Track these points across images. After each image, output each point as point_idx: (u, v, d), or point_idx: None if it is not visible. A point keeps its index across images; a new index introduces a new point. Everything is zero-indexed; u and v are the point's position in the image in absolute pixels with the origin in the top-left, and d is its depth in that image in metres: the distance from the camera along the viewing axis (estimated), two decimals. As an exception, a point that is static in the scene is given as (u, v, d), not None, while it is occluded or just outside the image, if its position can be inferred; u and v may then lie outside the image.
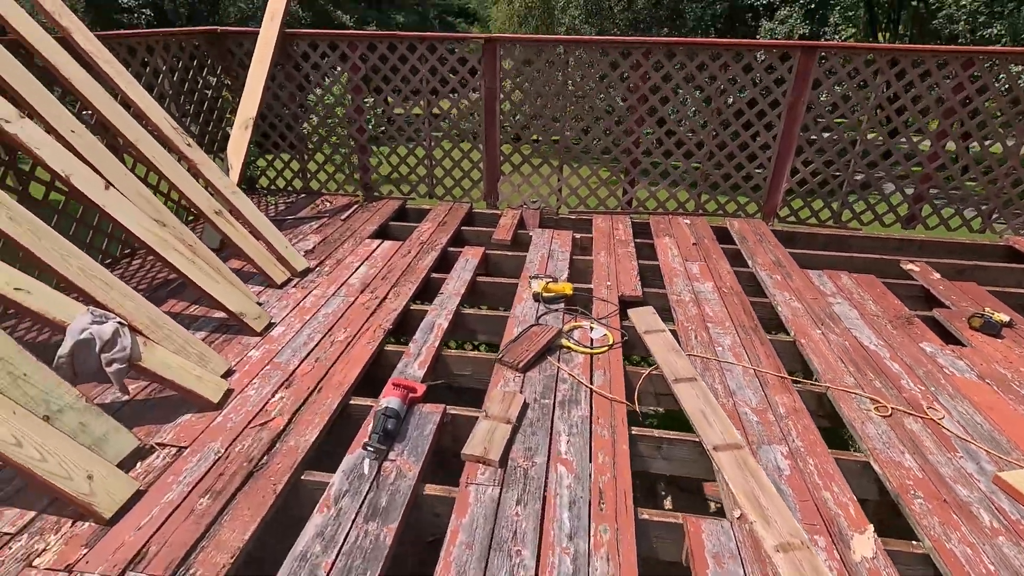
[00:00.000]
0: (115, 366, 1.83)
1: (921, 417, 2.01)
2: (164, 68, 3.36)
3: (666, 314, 2.73)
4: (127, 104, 2.79)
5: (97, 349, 1.81)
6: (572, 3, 14.64)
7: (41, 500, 1.60)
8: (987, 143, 3.59)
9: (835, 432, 2.34)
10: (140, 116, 2.79)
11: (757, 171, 3.81)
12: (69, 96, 2.65)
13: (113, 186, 2.34)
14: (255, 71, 3.60)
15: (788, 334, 2.60)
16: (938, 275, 3.15)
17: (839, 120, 3.60)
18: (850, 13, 12.06)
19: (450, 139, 3.95)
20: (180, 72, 3.51)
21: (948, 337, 2.62)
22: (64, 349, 1.78)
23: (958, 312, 2.75)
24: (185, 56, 3.54)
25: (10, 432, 1.50)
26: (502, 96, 3.77)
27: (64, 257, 1.98)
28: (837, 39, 11.69)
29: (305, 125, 4.02)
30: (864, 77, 3.41)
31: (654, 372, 2.25)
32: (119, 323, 1.90)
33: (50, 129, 2.32)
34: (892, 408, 2.05)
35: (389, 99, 3.97)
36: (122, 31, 3.24)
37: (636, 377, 2.24)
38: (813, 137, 3.65)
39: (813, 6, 11.48)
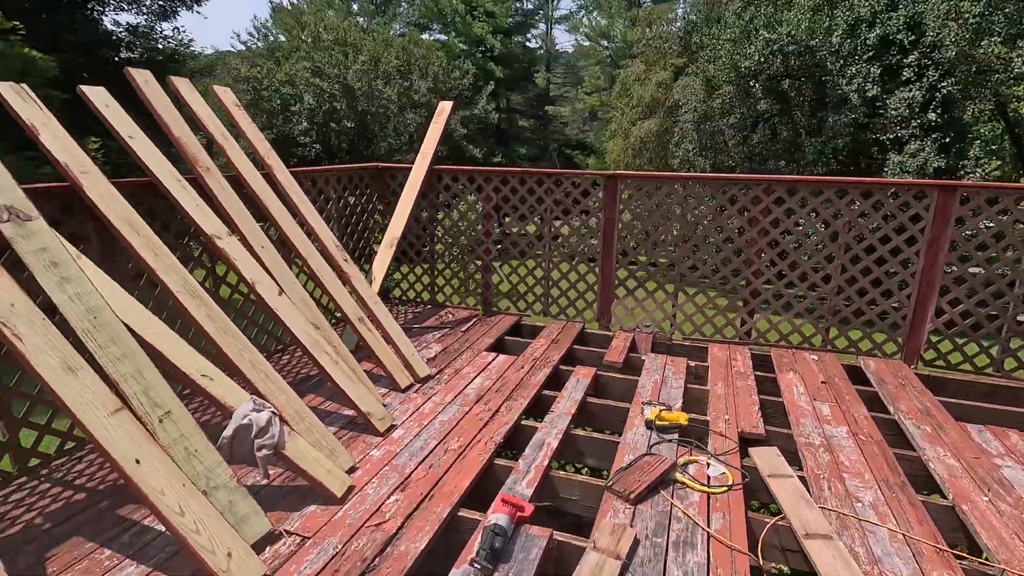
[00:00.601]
0: (264, 452, 2.05)
1: None
2: (333, 196, 4.02)
3: (792, 457, 2.52)
4: (303, 224, 3.35)
5: (252, 434, 2.05)
6: (686, 137, 15.40)
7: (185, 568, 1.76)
8: None
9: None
10: (312, 235, 3.33)
11: (894, 307, 3.56)
12: (264, 221, 3.24)
13: (285, 293, 2.76)
14: (405, 198, 4.18)
15: (944, 497, 2.26)
16: None
17: (992, 257, 3.33)
18: (993, 146, 11.40)
19: (567, 261, 4.19)
20: (345, 199, 4.18)
21: None
22: (228, 432, 2.03)
23: None
24: (351, 186, 4.22)
25: (177, 502, 1.71)
26: (620, 224, 3.99)
27: (240, 351, 2.33)
28: (979, 173, 10.94)
29: (439, 244, 4.50)
30: (1017, 216, 3.18)
31: (780, 522, 2.04)
32: (272, 412, 2.15)
33: (246, 244, 2.84)
34: (1098, 610, 1.67)
35: (514, 223, 4.37)
36: (309, 168, 3.97)
37: (759, 526, 2.05)
38: (960, 276, 3.38)
39: (948, 140, 11.01)
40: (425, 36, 33.73)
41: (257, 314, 3.36)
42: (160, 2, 12.06)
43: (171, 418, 1.87)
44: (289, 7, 35.12)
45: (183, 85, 3.04)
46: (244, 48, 27.91)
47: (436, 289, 4.62)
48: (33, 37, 8.27)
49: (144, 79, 2.82)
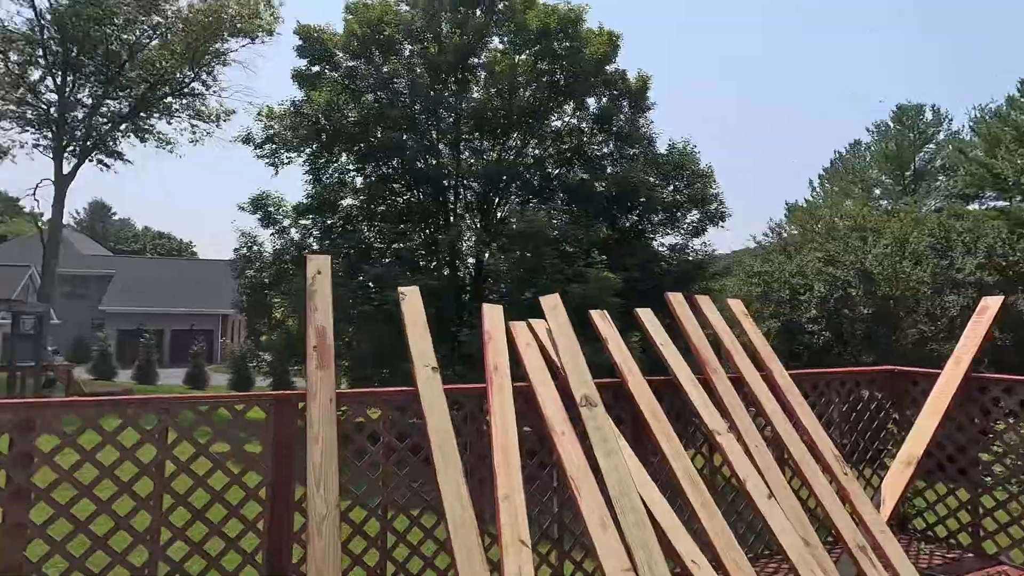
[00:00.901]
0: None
1: None
2: (836, 399, 3.83)
3: None
4: (797, 427, 3.33)
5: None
6: None
7: None
8: None
9: None
10: (807, 440, 3.25)
11: None
12: (758, 417, 3.43)
13: (775, 497, 2.78)
14: (929, 409, 3.54)
15: None
16: None
17: None
18: None
19: None
20: (850, 404, 3.89)
21: None
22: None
23: None
24: (856, 390, 3.92)
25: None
26: None
27: (725, 549, 2.46)
28: None
29: (987, 477, 3.48)
30: None
31: None
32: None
33: (741, 441, 3.06)
34: None
35: None
36: (810, 370, 3.99)
37: None
38: None
39: None
40: (973, 207, 28.49)
41: (747, 511, 3.42)
42: (695, 224, 15.05)
43: (663, 592, 2.15)
44: (804, 204, 37.05)
45: (704, 302, 3.77)
46: (757, 245, 30.67)
47: (983, 534, 3.48)
48: (612, 263, 11.80)
49: (677, 301, 3.67)
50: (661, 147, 15.92)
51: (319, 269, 2.91)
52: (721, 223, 15.27)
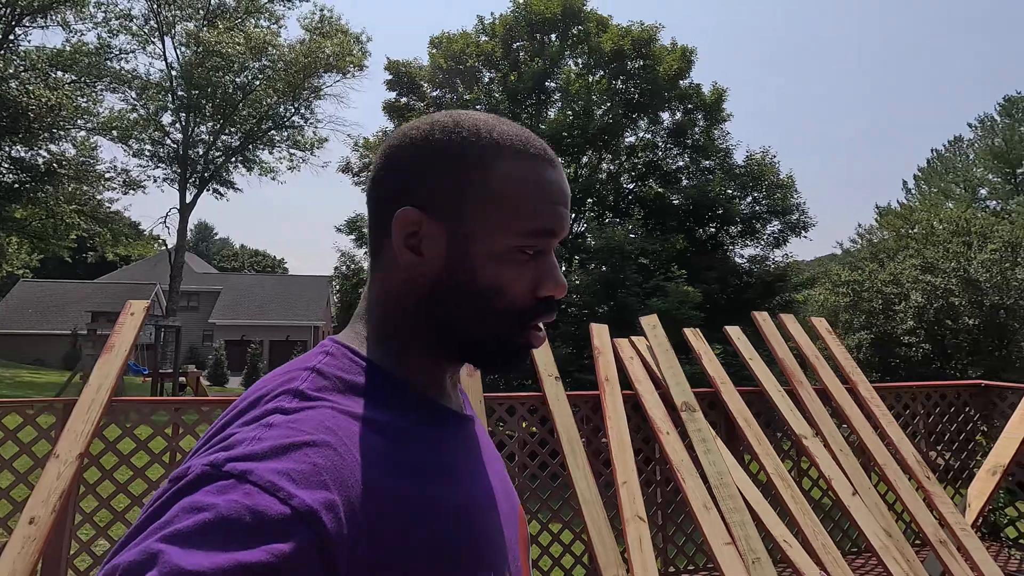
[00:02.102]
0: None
1: None
2: (921, 411, 4.08)
3: None
4: (883, 436, 3.65)
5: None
6: None
7: None
8: None
9: None
10: (891, 446, 3.57)
11: None
12: (843, 425, 3.78)
13: (859, 494, 3.16)
14: (1016, 421, 3.74)
15: None
16: None
17: None
18: None
19: None
20: (936, 416, 4.12)
21: None
22: (798, 593, 2.59)
23: None
24: (943, 403, 4.14)
25: (758, 626, 2.39)
26: None
27: (815, 533, 2.89)
28: None
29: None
30: None
31: None
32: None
33: (827, 445, 3.44)
34: None
35: None
36: (896, 384, 4.25)
37: None
38: None
39: None
40: (1099, 206, 25.76)
41: (834, 511, 3.76)
42: (775, 235, 14.91)
43: (760, 563, 2.63)
44: (898, 207, 34.81)
45: (789, 320, 4.15)
46: (843, 253, 29.22)
47: (1076, 542, 3.62)
48: (690, 276, 12.03)
49: (763, 318, 4.09)
50: (739, 157, 15.91)
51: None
52: (804, 233, 15.03)
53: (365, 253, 16.88)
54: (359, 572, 0.42)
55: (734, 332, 4.02)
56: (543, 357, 3.46)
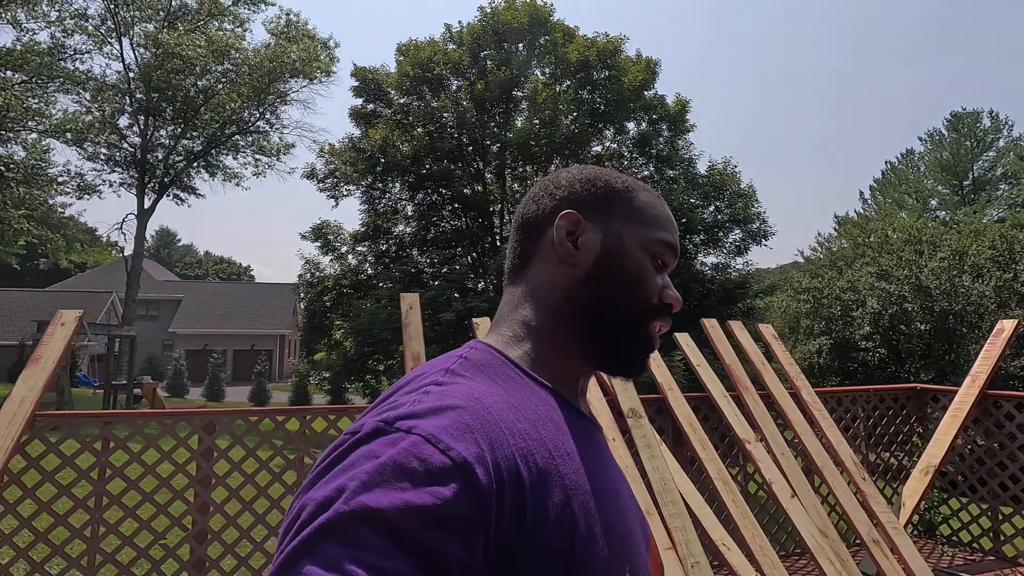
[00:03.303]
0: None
1: None
2: (861, 414, 4.22)
3: None
4: (822, 438, 3.76)
5: (753, 606, 2.58)
6: None
7: None
8: None
9: None
10: (829, 448, 3.68)
11: None
12: (785, 428, 3.88)
13: (797, 496, 3.24)
14: (946, 423, 3.90)
15: None
16: None
17: None
18: None
19: None
20: (875, 419, 4.27)
21: None
22: (735, 596, 2.64)
23: None
24: (881, 406, 4.30)
25: (694, 630, 2.42)
26: None
27: (753, 536, 2.95)
28: None
29: (1000, 484, 3.80)
30: None
31: None
32: (772, 595, 2.61)
33: (768, 449, 3.53)
34: None
35: None
36: (837, 388, 4.40)
37: None
38: None
39: None
40: (1039, 216, 27.18)
41: (779, 513, 3.85)
42: (737, 244, 15.29)
43: (699, 567, 2.67)
44: (855, 216, 36.11)
45: (736, 327, 4.25)
46: (804, 261, 30.14)
47: (1003, 538, 3.79)
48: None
49: (711, 325, 4.18)
50: (702, 168, 16.29)
51: (411, 305, 3.60)
52: (764, 241, 15.45)
53: (331, 260, 16.68)
54: (505, 524, 0.47)
55: (683, 339, 4.10)
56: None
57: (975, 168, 34.37)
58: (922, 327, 16.76)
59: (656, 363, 3.83)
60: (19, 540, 2.61)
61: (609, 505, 0.57)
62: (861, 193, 39.76)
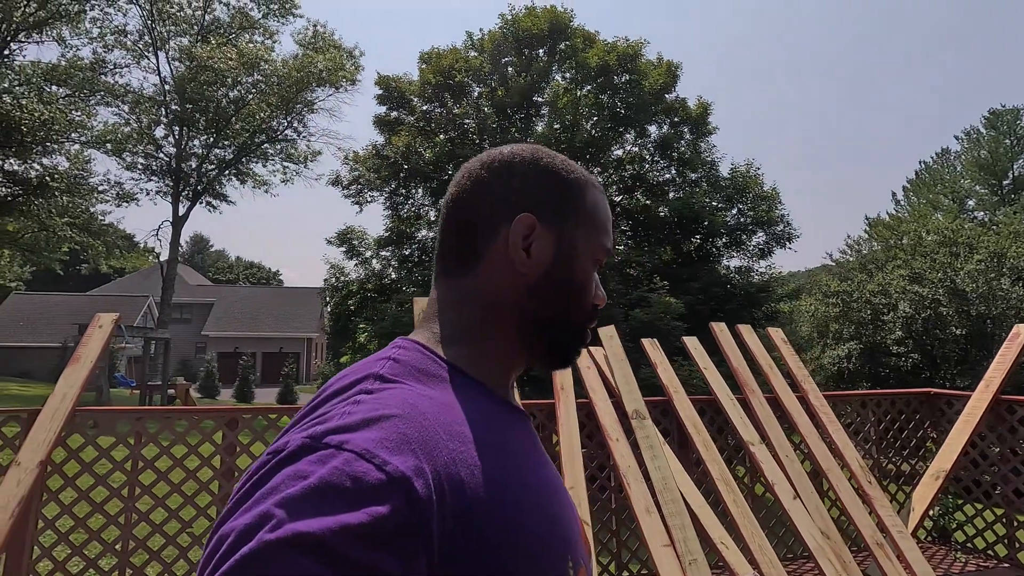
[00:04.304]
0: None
1: None
2: (872, 419, 4.21)
3: None
4: (830, 443, 3.77)
5: (749, 603, 2.63)
6: None
7: None
8: None
9: None
10: (836, 452, 3.69)
11: None
12: (792, 432, 3.90)
13: (800, 498, 3.27)
14: (958, 429, 3.86)
15: None
16: None
17: None
18: None
19: None
20: (886, 423, 4.25)
21: None
22: (732, 593, 2.70)
23: None
24: (893, 410, 4.27)
25: (689, 624, 2.50)
26: None
27: (752, 536, 3.00)
28: None
29: (1015, 490, 3.75)
30: None
31: None
32: (769, 593, 2.67)
33: (773, 452, 3.56)
34: None
35: None
36: (848, 392, 4.38)
37: None
38: None
39: None
40: (1082, 217, 26.05)
41: (786, 516, 3.86)
42: (760, 246, 15.10)
43: (696, 564, 2.74)
44: (887, 218, 35.12)
45: (745, 330, 4.29)
46: (834, 264, 29.44)
47: (1018, 545, 3.73)
48: (672, 287, 12.18)
49: (719, 329, 4.22)
50: (724, 170, 16.14)
51: (422, 308, 3.74)
52: (788, 244, 15.22)
53: (356, 265, 17.04)
54: (448, 533, 0.45)
55: (691, 343, 4.15)
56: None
57: (1015, 167, 33.12)
58: (958, 332, 16.23)
59: (662, 367, 3.90)
60: (60, 525, 2.84)
61: (550, 498, 0.57)
62: (893, 194, 38.64)
